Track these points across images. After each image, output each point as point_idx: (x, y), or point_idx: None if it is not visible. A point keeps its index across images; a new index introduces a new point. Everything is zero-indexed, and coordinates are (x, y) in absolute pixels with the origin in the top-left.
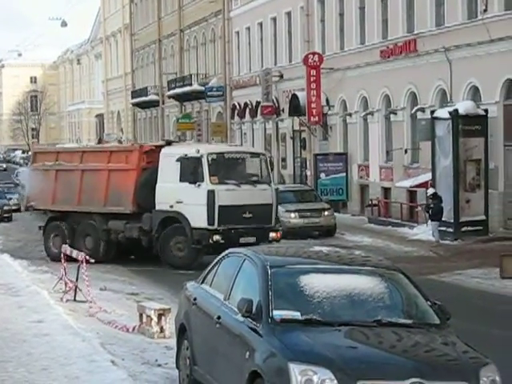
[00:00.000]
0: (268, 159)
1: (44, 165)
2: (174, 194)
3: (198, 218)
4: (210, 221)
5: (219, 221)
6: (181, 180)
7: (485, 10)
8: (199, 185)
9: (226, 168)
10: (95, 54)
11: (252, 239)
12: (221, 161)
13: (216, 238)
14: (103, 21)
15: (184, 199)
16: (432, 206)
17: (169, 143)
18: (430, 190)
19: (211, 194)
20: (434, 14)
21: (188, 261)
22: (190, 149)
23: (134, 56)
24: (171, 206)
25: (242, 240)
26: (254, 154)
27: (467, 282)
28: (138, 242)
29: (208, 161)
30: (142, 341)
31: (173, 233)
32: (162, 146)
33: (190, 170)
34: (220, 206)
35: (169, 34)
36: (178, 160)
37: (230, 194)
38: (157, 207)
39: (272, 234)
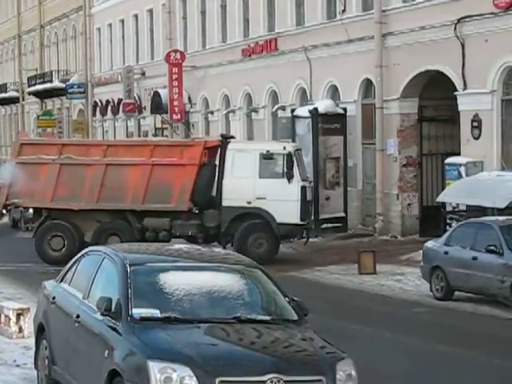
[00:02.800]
0: None
1: (40, 158)
2: (253, 190)
3: (286, 213)
4: (303, 216)
5: (307, 216)
6: (261, 176)
7: (343, 11)
8: (290, 181)
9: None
10: None
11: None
12: (296, 157)
13: (305, 232)
14: None
15: (267, 195)
16: None
17: (226, 138)
18: None
19: (303, 190)
20: (294, 13)
21: (270, 255)
22: (271, 145)
23: None
24: (249, 202)
25: (310, 234)
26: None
27: (326, 277)
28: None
29: (296, 157)
30: None
31: (252, 229)
32: (220, 142)
33: (278, 166)
34: (307, 202)
35: (29, 30)
36: (262, 156)
37: (309, 191)
38: (225, 203)
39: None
